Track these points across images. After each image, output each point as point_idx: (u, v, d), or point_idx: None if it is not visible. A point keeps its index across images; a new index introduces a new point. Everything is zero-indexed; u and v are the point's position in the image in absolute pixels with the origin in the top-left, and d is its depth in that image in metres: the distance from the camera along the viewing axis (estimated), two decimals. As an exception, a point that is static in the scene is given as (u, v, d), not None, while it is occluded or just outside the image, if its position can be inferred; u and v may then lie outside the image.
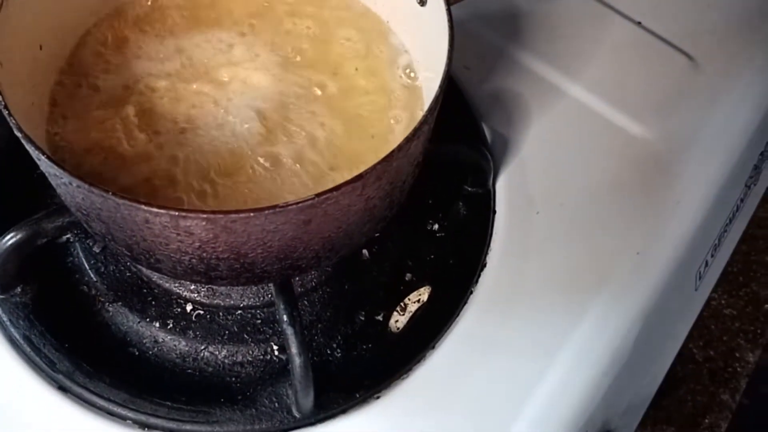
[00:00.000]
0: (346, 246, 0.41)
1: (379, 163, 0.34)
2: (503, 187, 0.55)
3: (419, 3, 0.44)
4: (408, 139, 0.35)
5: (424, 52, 0.46)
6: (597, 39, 0.64)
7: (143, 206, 0.32)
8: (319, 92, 0.45)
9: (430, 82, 0.46)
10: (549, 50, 0.62)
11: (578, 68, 0.62)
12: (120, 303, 0.49)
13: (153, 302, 0.49)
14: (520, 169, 0.56)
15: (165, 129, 0.43)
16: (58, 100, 0.44)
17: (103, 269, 0.50)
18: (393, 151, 0.35)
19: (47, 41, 0.43)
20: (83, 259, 0.51)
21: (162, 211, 0.32)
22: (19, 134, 0.33)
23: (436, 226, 0.54)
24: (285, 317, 0.42)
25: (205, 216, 0.32)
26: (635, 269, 0.53)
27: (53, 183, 0.37)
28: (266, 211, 0.32)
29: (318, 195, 0.33)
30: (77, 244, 0.51)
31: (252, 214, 0.32)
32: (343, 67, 0.47)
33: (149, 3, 0.48)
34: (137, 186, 0.41)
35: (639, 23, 0.65)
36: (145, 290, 0.50)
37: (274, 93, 0.45)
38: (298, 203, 0.33)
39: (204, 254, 0.36)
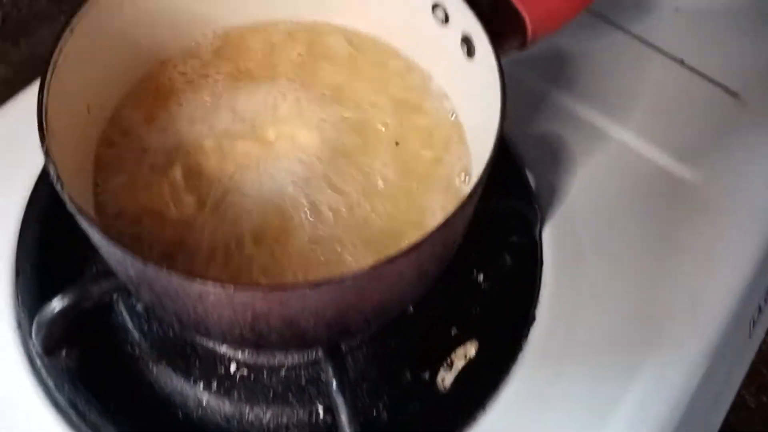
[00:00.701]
0: (396, 308, 0.40)
1: (434, 231, 0.33)
2: (550, 236, 0.54)
3: (466, 55, 0.43)
4: (462, 205, 0.34)
5: (471, 109, 0.45)
6: (639, 79, 0.63)
7: (197, 280, 0.31)
8: (367, 150, 0.45)
9: (476, 131, 0.46)
10: (591, 92, 0.61)
11: (621, 110, 0.61)
12: (164, 363, 0.48)
13: (197, 362, 0.49)
14: (567, 217, 0.55)
15: (211, 191, 0.42)
16: (103, 161, 0.44)
17: (146, 328, 0.50)
18: (448, 219, 0.34)
19: (94, 102, 0.43)
20: (127, 318, 0.50)
21: (217, 285, 0.31)
22: (73, 210, 0.33)
23: (481, 278, 0.53)
24: (335, 384, 0.41)
25: (260, 292, 0.31)
26: (690, 320, 0.51)
27: (102, 253, 0.36)
28: (322, 286, 0.31)
29: (373, 267, 0.32)
30: (121, 303, 0.50)
31: (308, 290, 0.31)
32: (389, 123, 0.46)
33: (193, 57, 0.48)
34: (181, 250, 0.41)
35: (681, 61, 0.64)
36: (188, 349, 0.49)
37: (322, 151, 0.44)
38: (353, 276, 0.32)
39: (256, 325, 0.35)
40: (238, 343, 0.38)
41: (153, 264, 0.31)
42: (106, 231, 0.33)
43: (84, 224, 0.33)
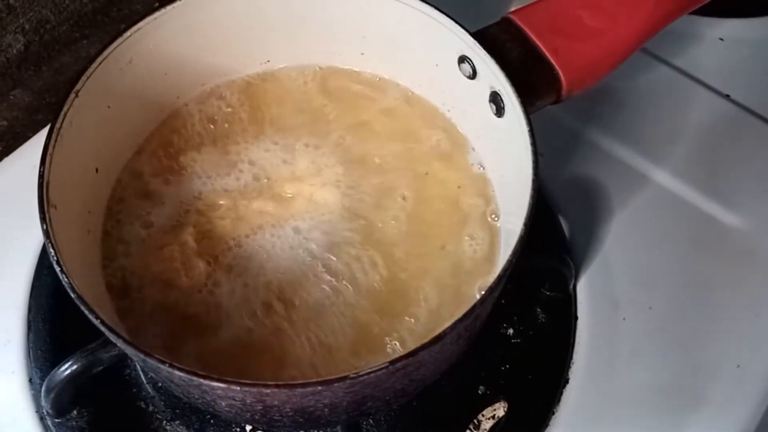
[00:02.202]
0: (418, 389, 0.37)
1: (459, 320, 0.31)
2: (585, 290, 0.51)
3: (495, 113, 0.40)
4: (491, 289, 0.32)
5: (499, 167, 0.42)
6: (682, 115, 0.59)
7: (201, 379, 0.29)
8: (388, 209, 0.42)
9: (503, 186, 0.43)
10: (629, 130, 0.58)
11: (662, 150, 0.57)
12: (178, 422, 0.47)
13: (212, 421, 0.47)
14: (604, 268, 0.52)
15: (225, 254, 0.40)
16: (112, 225, 0.42)
17: (160, 384, 0.48)
18: (474, 305, 0.31)
19: (103, 162, 0.41)
20: (140, 373, 0.48)
21: (222, 385, 0.29)
22: (73, 295, 0.31)
23: (511, 332, 0.50)
24: (353, 462, 0.38)
25: (269, 390, 0.29)
26: (736, 384, 0.48)
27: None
28: (336, 384, 0.29)
29: (392, 362, 0.30)
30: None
31: (320, 388, 0.29)
32: (412, 180, 0.43)
33: (205, 109, 0.46)
34: (192, 320, 0.39)
35: (727, 96, 0.60)
36: (203, 409, 0.47)
37: (341, 211, 0.41)
38: (370, 372, 0.29)
39: (267, 413, 0.33)
40: (250, 423, 0.36)
41: (154, 357, 0.29)
42: (109, 323, 0.31)
43: (86, 312, 0.31)
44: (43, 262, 0.51)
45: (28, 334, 0.48)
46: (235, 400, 0.31)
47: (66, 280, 0.31)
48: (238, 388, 0.29)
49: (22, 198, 0.53)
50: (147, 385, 0.48)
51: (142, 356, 0.30)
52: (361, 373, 0.29)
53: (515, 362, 0.49)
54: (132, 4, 0.66)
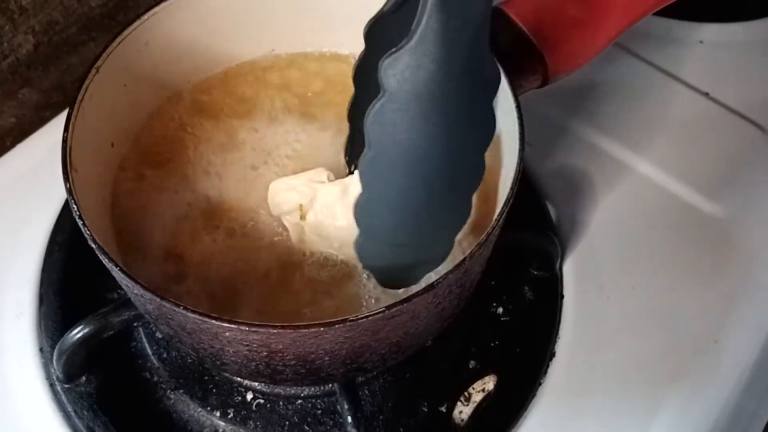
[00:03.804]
0: (413, 346, 0.40)
1: (450, 272, 0.33)
2: (571, 271, 0.54)
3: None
4: (479, 245, 0.34)
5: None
6: (664, 112, 0.62)
7: (213, 321, 0.31)
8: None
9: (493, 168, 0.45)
10: (614, 124, 0.61)
11: (645, 143, 0.60)
12: (181, 390, 0.49)
13: (214, 390, 0.49)
14: (588, 251, 0.54)
15: (230, 226, 0.43)
16: (123, 193, 0.44)
17: (165, 355, 0.50)
18: (464, 259, 0.34)
19: (118, 138, 0.44)
20: (146, 345, 0.51)
21: (232, 326, 0.31)
22: (93, 245, 0.33)
23: (500, 310, 0.53)
24: (349, 418, 0.41)
25: (275, 331, 0.31)
26: (713, 358, 0.50)
27: (122, 286, 0.37)
28: (336, 326, 0.31)
29: (388, 307, 0.32)
30: (141, 329, 0.51)
31: (322, 329, 0.31)
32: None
33: (214, 90, 0.49)
34: (201, 285, 0.41)
35: (707, 94, 0.63)
36: (206, 377, 0.49)
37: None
38: (368, 316, 0.32)
39: (271, 361, 0.35)
40: (254, 377, 0.38)
41: (170, 301, 0.32)
42: (126, 267, 0.33)
43: (104, 260, 0.34)
44: (54, 240, 0.53)
45: (39, 307, 0.51)
46: (242, 344, 0.33)
47: (88, 232, 0.33)
48: (247, 329, 0.31)
49: (32, 183, 0.56)
50: (152, 357, 0.50)
51: (158, 300, 0.32)
52: (359, 317, 0.32)
53: (504, 338, 0.51)
54: (138, 8, 0.69)
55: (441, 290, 0.33)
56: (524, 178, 0.57)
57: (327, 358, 0.35)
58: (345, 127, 0.45)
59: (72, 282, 0.52)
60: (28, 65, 0.62)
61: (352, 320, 0.32)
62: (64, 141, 0.36)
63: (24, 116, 0.64)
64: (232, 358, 0.36)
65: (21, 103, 0.64)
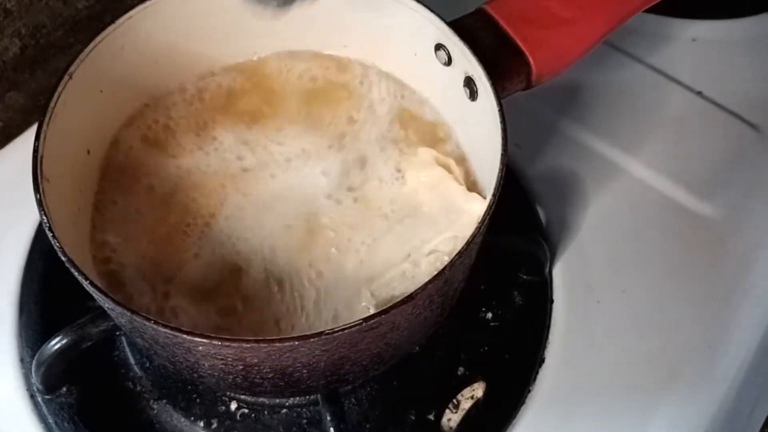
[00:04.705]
0: (395, 356, 0.39)
1: (430, 282, 0.32)
2: (561, 274, 0.53)
3: (469, 97, 0.42)
4: (460, 253, 0.33)
5: (477, 147, 0.44)
6: (656, 111, 0.61)
7: (185, 335, 0.30)
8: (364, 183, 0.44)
9: (482, 170, 0.45)
10: (605, 124, 0.60)
11: (637, 143, 0.59)
12: (165, 401, 0.48)
13: (197, 400, 0.48)
14: (578, 254, 0.54)
15: (208, 226, 0.42)
16: (101, 203, 0.44)
17: (148, 365, 0.49)
18: (444, 268, 0.33)
19: (94, 145, 0.43)
20: (129, 354, 0.50)
21: (204, 340, 0.30)
22: (63, 257, 0.33)
23: (489, 315, 0.52)
24: (332, 430, 0.40)
25: (248, 345, 0.30)
26: (706, 364, 0.50)
27: (97, 300, 0.36)
28: (312, 339, 0.31)
29: (365, 320, 0.31)
30: (123, 338, 0.50)
31: (297, 342, 0.31)
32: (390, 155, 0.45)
33: (192, 95, 0.48)
34: (179, 288, 0.40)
35: (700, 93, 0.62)
36: (189, 387, 0.48)
37: (326, 190, 0.44)
38: (344, 329, 0.31)
39: (248, 374, 0.34)
40: (233, 389, 0.37)
41: (140, 315, 0.31)
42: (106, 271, 0.32)
43: (75, 273, 0.33)
44: (35, 248, 0.53)
45: (19, 316, 0.50)
46: (217, 359, 0.32)
47: (57, 244, 0.33)
48: (219, 343, 0.30)
49: (15, 190, 0.55)
50: (135, 366, 0.49)
51: (129, 315, 0.31)
52: (336, 329, 0.31)
53: (493, 344, 0.51)
54: (125, 9, 0.68)
55: (420, 300, 0.33)
56: (513, 180, 0.56)
57: (305, 371, 0.34)
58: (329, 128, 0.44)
59: (53, 291, 0.51)
60: (14, 68, 0.61)
61: (328, 333, 0.31)
62: (35, 150, 0.35)
63: (11, 120, 0.64)
64: (209, 371, 0.35)
65: (7, 106, 0.63)
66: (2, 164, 0.58)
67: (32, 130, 0.58)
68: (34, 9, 0.60)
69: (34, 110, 0.65)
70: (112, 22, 0.41)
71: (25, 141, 0.59)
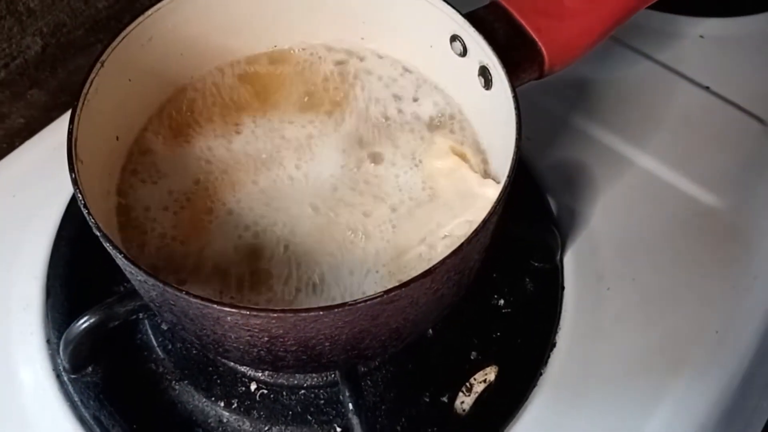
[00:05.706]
0: (413, 333, 0.40)
1: (448, 257, 0.34)
2: (571, 262, 0.54)
3: (483, 86, 0.44)
4: (477, 231, 0.35)
5: (492, 136, 0.45)
6: (664, 106, 0.63)
7: (215, 305, 0.32)
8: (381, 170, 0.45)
9: (498, 158, 0.46)
10: (614, 118, 0.61)
11: (645, 136, 0.60)
12: (186, 381, 0.49)
13: (218, 380, 0.50)
14: (589, 243, 0.55)
15: (230, 212, 0.44)
16: (127, 185, 0.45)
17: (170, 346, 0.51)
18: (462, 244, 0.34)
19: (122, 131, 0.45)
20: (152, 336, 0.51)
21: (233, 310, 0.32)
22: (97, 233, 0.34)
23: (501, 302, 0.53)
24: (350, 405, 0.41)
25: (275, 315, 0.32)
26: (714, 349, 0.51)
27: (126, 274, 0.38)
28: (336, 309, 0.32)
29: (386, 292, 0.33)
30: (146, 321, 0.52)
31: (321, 313, 0.32)
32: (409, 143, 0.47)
33: (219, 84, 0.49)
34: (203, 269, 0.42)
35: (707, 88, 0.63)
36: (210, 368, 0.50)
37: (342, 178, 0.45)
38: (366, 301, 0.32)
39: (272, 347, 0.36)
40: (257, 364, 0.39)
41: (172, 286, 0.32)
42: (129, 254, 0.34)
43: (109, 248, 0.34)
44: (61, 234, 0.54)
45: (46, 299, 0.51)
46: (244, 329, 0.34)
47: (93, 220, 0.34)
48: (248, 313, 0.32)
49: (41, 179, 0.57)
50: (158, 348, 0.51)
51: (161, 287, 0.33)
52: (358, 301, 0.32)
53: (505, 329, 0.52)
54: (145, 9, 0.70)
55: (439, 275, 0.34)
56: (525, 172, 0.58)
57: (327, 344, 0.36)
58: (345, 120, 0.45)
59: (78, 275, 0.53)
60: (36, 67, 0.62)
61: (351, 304, 0.32)
62: (70, 132, 0.37)
63: (32, 117, 0.65)
64: (234, 344, 0.36)
65: (29, 104, 0.65)
66: (27, 156, 0.60)
67: (56, 124, 0.61)
68: (56, 8, 0.61)
69: (55, 107, 0.66)
70: (131, 21, 0.42)
71: (50, 133, 0.61)
